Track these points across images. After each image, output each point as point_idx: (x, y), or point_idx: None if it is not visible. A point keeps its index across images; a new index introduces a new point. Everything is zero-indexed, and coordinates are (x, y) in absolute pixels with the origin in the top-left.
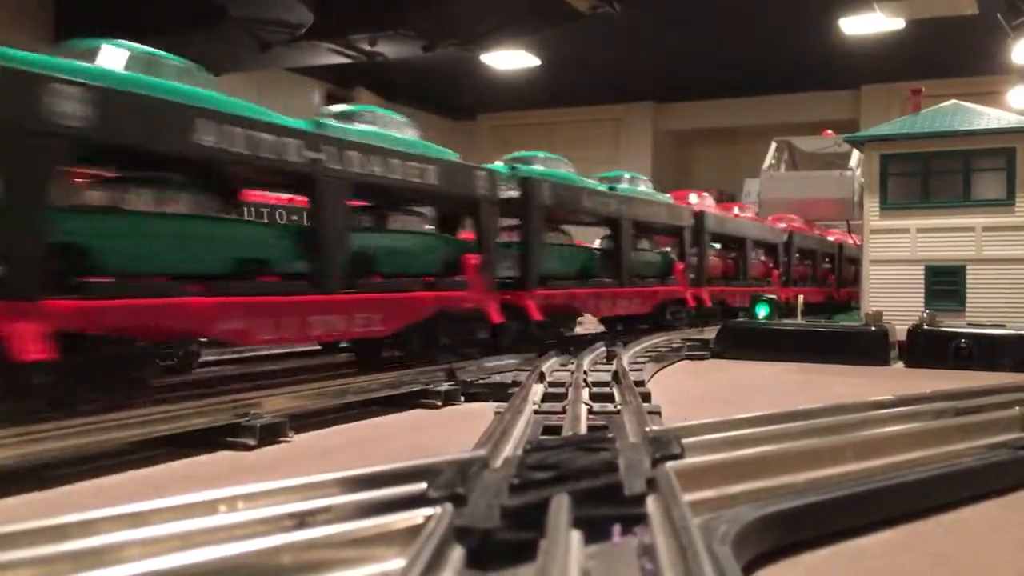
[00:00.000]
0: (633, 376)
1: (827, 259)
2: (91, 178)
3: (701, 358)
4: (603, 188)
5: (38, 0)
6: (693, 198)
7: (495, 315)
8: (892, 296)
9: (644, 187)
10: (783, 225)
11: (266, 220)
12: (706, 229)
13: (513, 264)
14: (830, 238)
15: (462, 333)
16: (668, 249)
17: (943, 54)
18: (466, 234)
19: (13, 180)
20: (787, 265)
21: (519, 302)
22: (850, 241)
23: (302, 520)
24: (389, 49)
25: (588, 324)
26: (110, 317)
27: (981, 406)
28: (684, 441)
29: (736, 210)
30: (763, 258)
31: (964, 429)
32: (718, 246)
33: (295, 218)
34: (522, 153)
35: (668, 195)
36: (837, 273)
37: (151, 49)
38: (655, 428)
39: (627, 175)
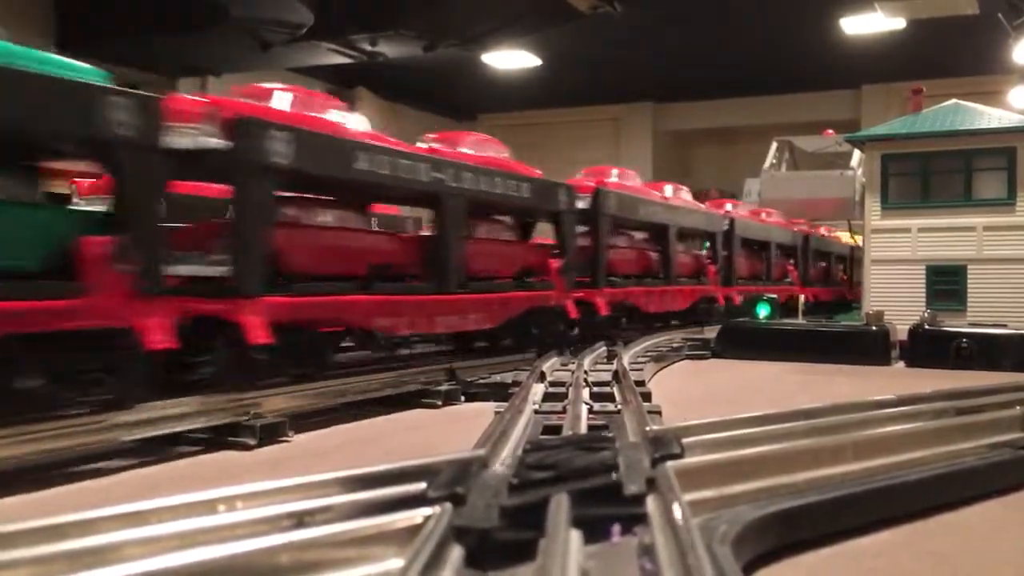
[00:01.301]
0: (633, 376)
1: (705, 240)
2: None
3: (701, 358)
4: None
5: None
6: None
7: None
8: (893, 296)
9: None
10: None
11: None
12: (350, 176)
13: None
14: (728, 206)
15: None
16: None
17: (943, 54)
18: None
19: None
20: (592, 253)
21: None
22: (771, 221)
23: (301, 520)
24: (389, 49)
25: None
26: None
27: (982, 406)
28: (684, 441)
29: (488, 152)
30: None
31: (965, 429)
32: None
33: None
34: None
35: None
36: (720, 264)
37: None
38: (655, 428)
39: None
